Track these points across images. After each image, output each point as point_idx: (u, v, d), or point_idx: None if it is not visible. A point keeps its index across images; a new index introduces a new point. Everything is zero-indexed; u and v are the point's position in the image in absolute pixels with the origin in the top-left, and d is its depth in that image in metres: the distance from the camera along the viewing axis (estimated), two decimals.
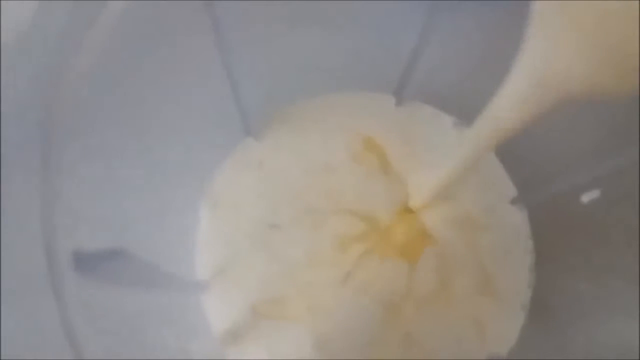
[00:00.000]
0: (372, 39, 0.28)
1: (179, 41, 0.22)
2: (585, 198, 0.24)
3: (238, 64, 0.24)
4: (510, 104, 0.19)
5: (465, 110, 0.29)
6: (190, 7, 0.21)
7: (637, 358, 0.21)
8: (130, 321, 0.22)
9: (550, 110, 0.18)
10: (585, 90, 0.16)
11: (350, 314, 0.26)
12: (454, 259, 0.28)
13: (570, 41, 0.15)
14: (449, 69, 0.27)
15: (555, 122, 0.24)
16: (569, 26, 0.15)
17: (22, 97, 0.24)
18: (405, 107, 0.30)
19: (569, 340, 0.25)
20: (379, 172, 0.29)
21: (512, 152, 0.29)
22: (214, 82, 0.24)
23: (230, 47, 0.23)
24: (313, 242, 0.27)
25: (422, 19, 0.24)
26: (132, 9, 0.19)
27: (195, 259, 0.27)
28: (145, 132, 0.24)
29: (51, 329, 0.17)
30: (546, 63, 0.16)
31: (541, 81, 0.17)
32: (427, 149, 0.29)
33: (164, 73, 0.23)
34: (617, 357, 0.23)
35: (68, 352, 0.17)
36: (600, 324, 0.24)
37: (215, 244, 0.27)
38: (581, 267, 0.26)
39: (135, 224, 0.24)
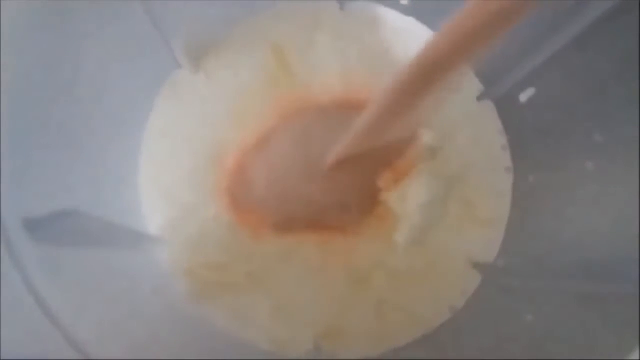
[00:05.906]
0: None
1: None
2: (523, 97, 0.23)
3: None
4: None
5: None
6: None
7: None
8: (97, 278, 0.21)
9: None
10: None
11: (305, 288, 0.24)
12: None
13: None
14: None
15: None
16: None
17: None
18: (349, 10, 0.27)
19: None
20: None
21: None
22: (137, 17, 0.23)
23: None
24: None
25: None
26: None
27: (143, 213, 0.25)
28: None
29: None
30: None
31: None
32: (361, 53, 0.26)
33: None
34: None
35: None
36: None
37: (155, 199, 0.25)
38: (552, 160, 0.23)
39: (80, 182, 0.22)
